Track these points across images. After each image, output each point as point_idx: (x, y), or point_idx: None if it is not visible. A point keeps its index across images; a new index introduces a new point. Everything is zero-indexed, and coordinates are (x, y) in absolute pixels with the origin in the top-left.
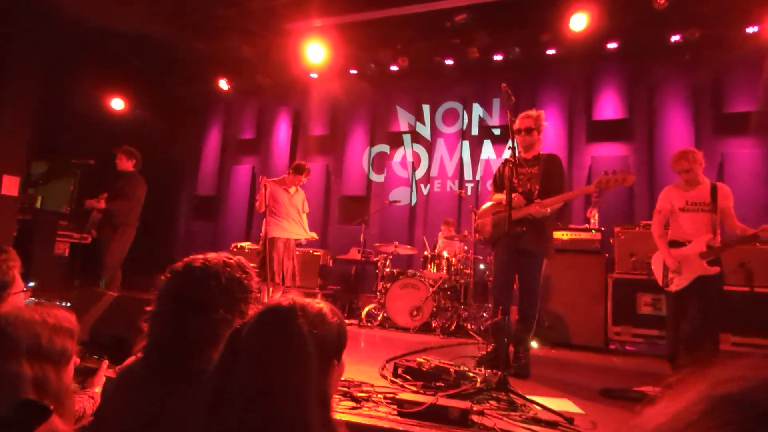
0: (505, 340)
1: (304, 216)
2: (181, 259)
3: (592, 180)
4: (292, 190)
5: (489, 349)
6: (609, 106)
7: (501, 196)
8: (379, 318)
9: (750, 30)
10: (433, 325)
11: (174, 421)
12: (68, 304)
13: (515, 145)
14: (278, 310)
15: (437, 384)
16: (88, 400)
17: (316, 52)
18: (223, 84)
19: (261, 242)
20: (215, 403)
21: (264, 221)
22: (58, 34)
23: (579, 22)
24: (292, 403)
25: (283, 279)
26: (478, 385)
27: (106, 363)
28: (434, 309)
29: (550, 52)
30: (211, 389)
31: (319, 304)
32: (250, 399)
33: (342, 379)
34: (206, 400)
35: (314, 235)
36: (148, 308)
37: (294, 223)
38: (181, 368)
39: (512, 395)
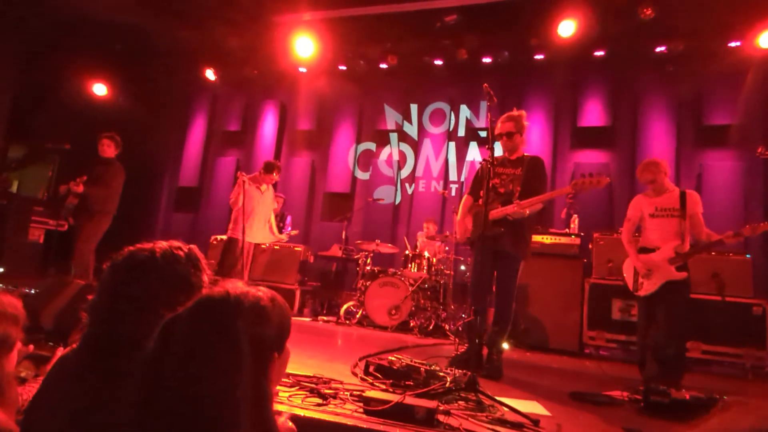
0: (477, 340)
1: (272, 215)
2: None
3: (565, 200)
4: (263, 187)
5: (462, 350)
6: (593, 113)
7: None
8: (357, 316)
9: (732, 44)
10: (412, 324)
11: (104, 416)
12: (35, 291)
13: (494, 146)
14: (211, 302)
15: (407, 383)
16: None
17: (304, 46)
18: (210, 74)
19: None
20: (144, 400)
21: (232, 217)
22: (37, 16)
23: (567, 28)
24: (221, 403)
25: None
26: (447, 384)
27: (60, 350)
28: (413, 308)
29: (538, 57)
30: (139, 384)
31: (258, 292)
32: (178, 396)
33: (311, 374)
34: (134, 396)
35: (284, 237)
36: (89, 297)
37: (263, 226)
38: (113, 365)
39: (481, 396)
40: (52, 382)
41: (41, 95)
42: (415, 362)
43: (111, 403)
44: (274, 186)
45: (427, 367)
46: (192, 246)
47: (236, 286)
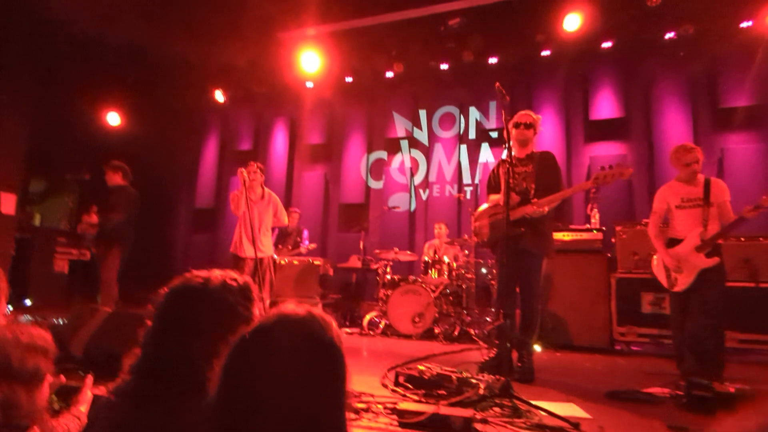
0: (508, 344)
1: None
2: (181, 274)
3: (588, 195)
4: (259, 191)
5: (491, 355)
6: (605, 106)
7: (497, 197)
8: (381, 326)
9: (744, 25)
10: (436, 331)
11: None
12: (63, 321)
13: (510, 145)
14: (299, 319)
15: (439, 392)
16: (72, 420)
17: (311, 61)
18: (219, 95)
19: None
20: (228, 422)
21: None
22: (51, 49)
23: (572, 22)
24: (335, 412)
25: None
26: (481, 392)
27: (90, 379)
28: (436, 315)
29: (545, 53)
30: (219, 408)
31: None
32: (281, 415)
33: None
34: (213, 421)
35: (302, 250)
36: (149, 323)
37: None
38: (175, 389)
39: (516, 401)
40: (107, 415)
41: (58, 128)
42: (446, 370)
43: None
44: (287, 206)
45: (459, 375)
46: (247, 279)
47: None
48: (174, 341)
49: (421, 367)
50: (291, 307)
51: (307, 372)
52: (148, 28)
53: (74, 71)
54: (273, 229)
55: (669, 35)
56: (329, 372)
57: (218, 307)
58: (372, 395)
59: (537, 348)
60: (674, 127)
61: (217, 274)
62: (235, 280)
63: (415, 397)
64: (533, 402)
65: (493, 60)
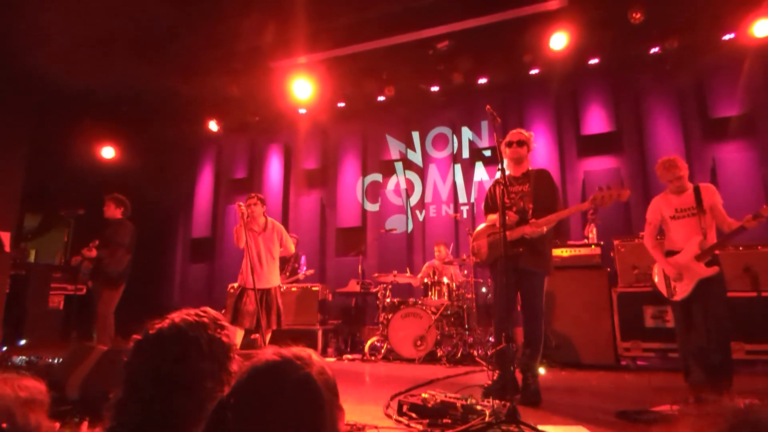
0: (512, 367)
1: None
2: (175, 307)
3: (586, 194)
4: (262, 221)
5: (495, 378)
6: (596, 120)
7: (495, 216)
8: (382, 350)
9: (726, 37)
10: (439, 353)
11: None
12: (58, 360)
13: (504, 166)
14: (270, 366)
15: (444, 421)
16: None
17: (302, 88)
18: (213, 125)
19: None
20: None
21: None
22: (45, 86)
23: (559, 41)
24: None
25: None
26: (487, 418)
27: (85, 425)
28: (438, 337)
29: (534, 71)
30: None
31: (306, 350)
32: None
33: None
34: None
35: (301, 276)
36: (113, 392)
37: (273, 268)
38: None
39: (524, 427)
40: None
41: (52, 163)
42: (450, 397)
43: None
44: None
45: (464, 402)
46: (205, 308)
47: (277, 349)
48: (159, 403)
49: (424, 395)
50: (267, 353)
51: (288, 417)
52: (142, 62)
53: (68, 107)
54: None
55: (654, 50)
56: (309, 410)
57: (202, 350)
58: (377, 427)
59: (542, 370)
60: (666, 138)
61: (178, 314)
62: (200, 314)
63: (420, 427)
64: (541, 427)
65: (482, 80)
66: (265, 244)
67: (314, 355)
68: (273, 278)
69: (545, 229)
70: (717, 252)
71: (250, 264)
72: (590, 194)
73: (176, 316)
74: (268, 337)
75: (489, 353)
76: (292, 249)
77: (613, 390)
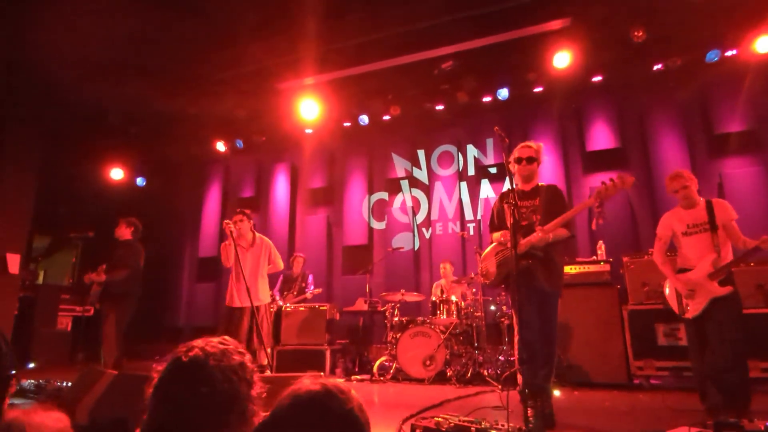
0: (527, 390)
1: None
2: (183, 326)
3: (593, 212)
4: (249, 236)
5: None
6: (602, 137)
7: (499, 234)
8: (391, 370)
9: (729, 53)
10: (449, 373)
11: None
12: (67, 385)
13: (514, 186)
14: (312, 396)
15: None
16: None
17: (309, 109)
18: (221, 146)
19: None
20: None
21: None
22: (54, 109)
23: (562, 59)
24: None
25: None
26: None
27: None
28: (447, 356)
29: (538, 89)
30: None
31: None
32: None
33: None
34: None
35: (309, 296)
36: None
37: (259, 284)
38: None
39: None
40: None
41: (62, 186)
42: (464, 421)
43: None
44: (292, 248)
45: (478, 426)
46: (222, 338)
47: (316, 380)
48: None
49: (438, 419)
50: (306, 383)
51: None
52: (150, 84)
53: (80, 129)
54: (278, 275)
55: (657, 67)
56: None
57: (233, 381)
58: None
59: (556, 392)
60: (671, 154)
61: (200, 343)
62: (223, 342)
63: None
64: None
65: (486, 99)
66: (253, 261)
67: (353, 390)
68: (262, 295)
69: (551, 236)
70: (732, 269)
71: (237, 283)
72: (596, 209)
73: (196, 345)
74: (262, 354)
75: (498, 372)
76: (281, 265)
77: (627, 411)
